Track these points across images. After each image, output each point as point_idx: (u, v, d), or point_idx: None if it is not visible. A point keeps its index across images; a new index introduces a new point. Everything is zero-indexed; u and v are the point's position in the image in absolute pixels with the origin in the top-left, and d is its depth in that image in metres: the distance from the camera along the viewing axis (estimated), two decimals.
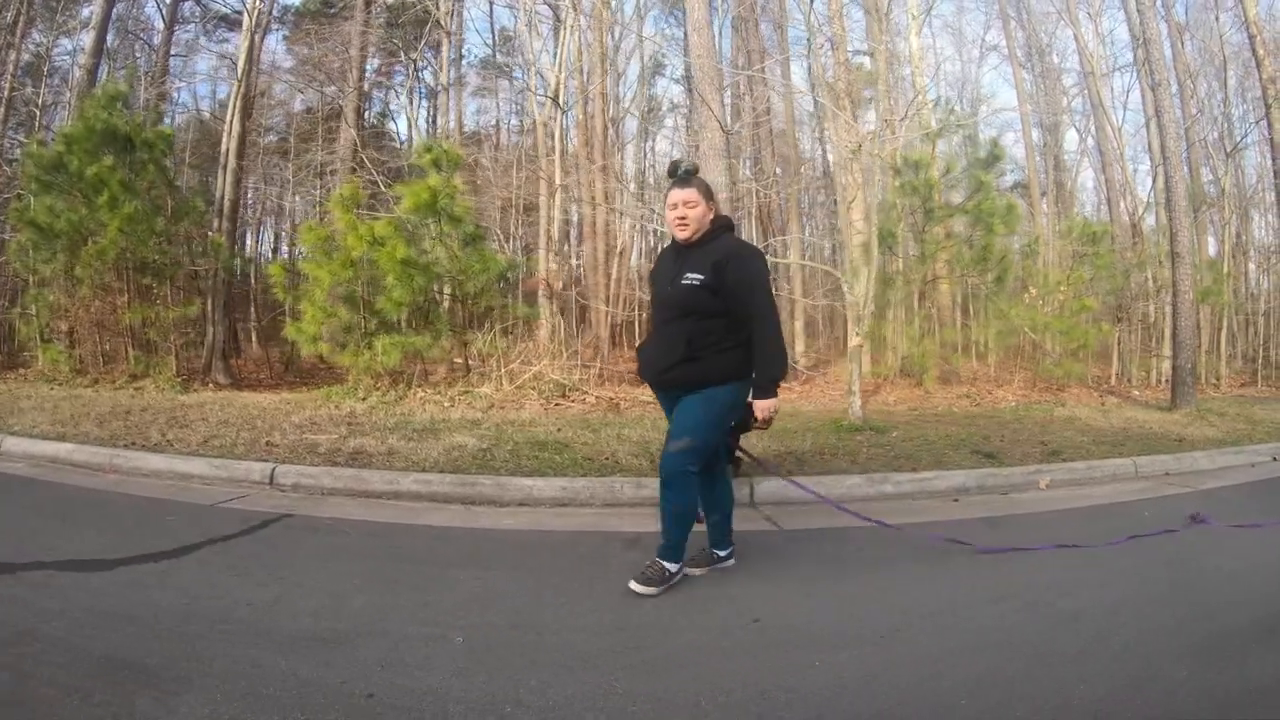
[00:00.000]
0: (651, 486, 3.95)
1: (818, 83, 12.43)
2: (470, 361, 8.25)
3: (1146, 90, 13.72)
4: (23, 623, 2.10)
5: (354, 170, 16.98)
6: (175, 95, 14.40)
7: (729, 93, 12.08)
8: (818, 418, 6.84)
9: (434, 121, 21.35)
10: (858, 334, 6.20)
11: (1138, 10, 9.03)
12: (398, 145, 20.48)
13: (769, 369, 2.54)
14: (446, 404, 6.84)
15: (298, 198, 20.76)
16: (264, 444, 4.67)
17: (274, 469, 3.94)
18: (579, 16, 10.37)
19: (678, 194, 2.53)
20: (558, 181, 10.37)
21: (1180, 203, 9.13)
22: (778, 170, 13.95)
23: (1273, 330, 12.38)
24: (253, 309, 15.09)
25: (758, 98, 13.20)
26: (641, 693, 1.83)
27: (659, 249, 2.88)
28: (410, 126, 14.08)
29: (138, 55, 13.72)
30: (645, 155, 19.90)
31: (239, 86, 8.77)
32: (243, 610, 2.28)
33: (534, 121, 12.18)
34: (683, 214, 2.51)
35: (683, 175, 2.57)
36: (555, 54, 12.01)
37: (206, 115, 17.07)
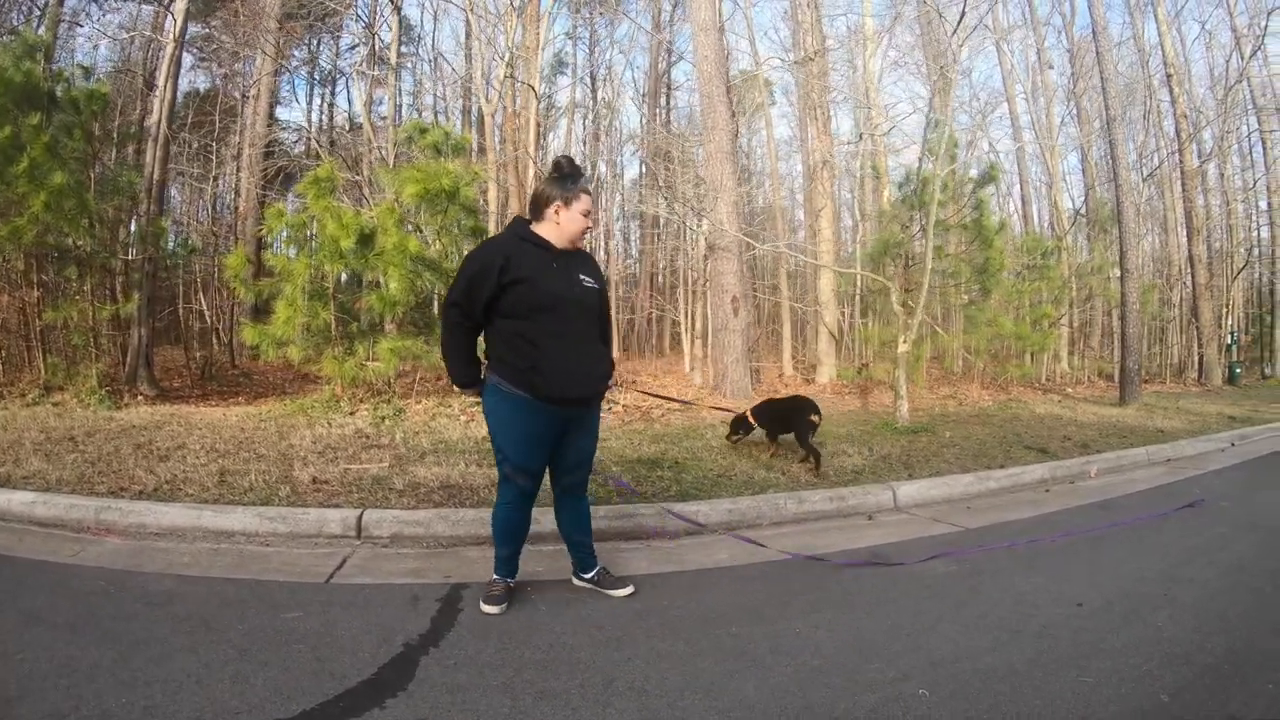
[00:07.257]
0: (811, 501, 3.63)
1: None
2: None
3: (1047, 112, 15.17)
4: None
5: (267, 155, 15.21)
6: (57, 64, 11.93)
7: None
8: (849, 421, 6.74)
9: (330, 108, 19.66)
10: (905, 341, 6.12)
11: (1097, 53, 9.74)
12: (296, 130, 18.56)
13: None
14: (463, 418, 6.03)
15: (177, 188, 18.34)
16: (308, 481, 3.76)
17: (360, 516, 3.08)
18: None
19: (589, 202, 2.34)
20: (531, 172, 9.66)
21: (1130, 225, 9.97)
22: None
23: (1171, 337, 14.03)
24: None
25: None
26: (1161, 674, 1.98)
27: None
28: (384, 105, 12.68)
29: (17, 22, 11.26)
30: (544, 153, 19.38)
31: (174, 48, 7.34)
32: None
33: (489, 114, 11.34)
34: (588, 224, 2.35)
35: (586, 180, 2.39)
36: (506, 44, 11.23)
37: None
